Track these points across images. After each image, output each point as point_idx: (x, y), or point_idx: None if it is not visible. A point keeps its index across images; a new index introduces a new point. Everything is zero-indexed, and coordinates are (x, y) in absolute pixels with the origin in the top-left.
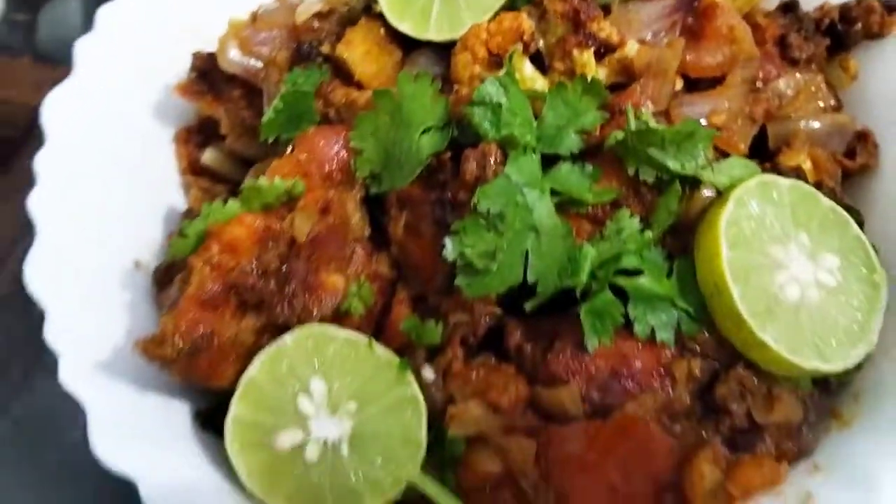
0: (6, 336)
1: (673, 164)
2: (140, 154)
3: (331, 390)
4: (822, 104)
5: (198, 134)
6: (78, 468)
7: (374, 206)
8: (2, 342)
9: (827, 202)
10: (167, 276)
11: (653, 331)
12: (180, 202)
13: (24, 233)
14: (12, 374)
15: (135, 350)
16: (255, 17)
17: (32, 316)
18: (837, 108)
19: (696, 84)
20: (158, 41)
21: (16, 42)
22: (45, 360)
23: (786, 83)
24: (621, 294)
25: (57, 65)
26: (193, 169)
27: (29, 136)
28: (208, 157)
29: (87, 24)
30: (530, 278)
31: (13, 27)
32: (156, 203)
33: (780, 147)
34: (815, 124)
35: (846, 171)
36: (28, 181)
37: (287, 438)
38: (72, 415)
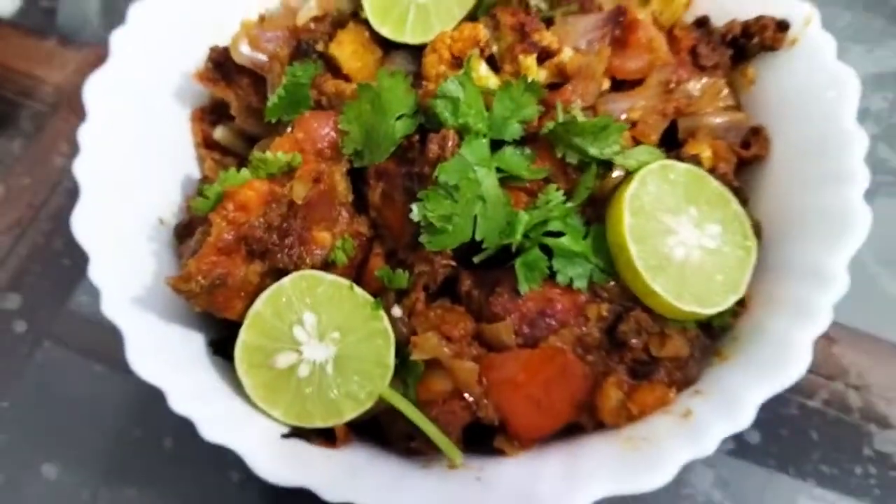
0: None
1: (592, 150)
2: (163, 129)
3: (319, 322)
4: (723, 104)
5: (211, 114)
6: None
7: (357, 178)
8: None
9: (715, 183)
10: (186, 232)
11: (571, 280)
12: (195, 171)
13: (54, 190)
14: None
15: (166, 285)
16: (262, 19)
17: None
18: (737, 107)
19: (621, 85)
20: (181, 35)
21: (42, 25)
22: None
23: (694, 85)
24: (547, 251)
25: (79, 46)
26: (207, 143)
27: (57, 108)
28: (219, 133)
29: (104, 10)
30: (478, 237)
31: (40, 12)
32: (175, 171)
33: (687, 138)
34: (717, 120)
35: (741, 160)
36: (56, 148)
37: (284, 359)
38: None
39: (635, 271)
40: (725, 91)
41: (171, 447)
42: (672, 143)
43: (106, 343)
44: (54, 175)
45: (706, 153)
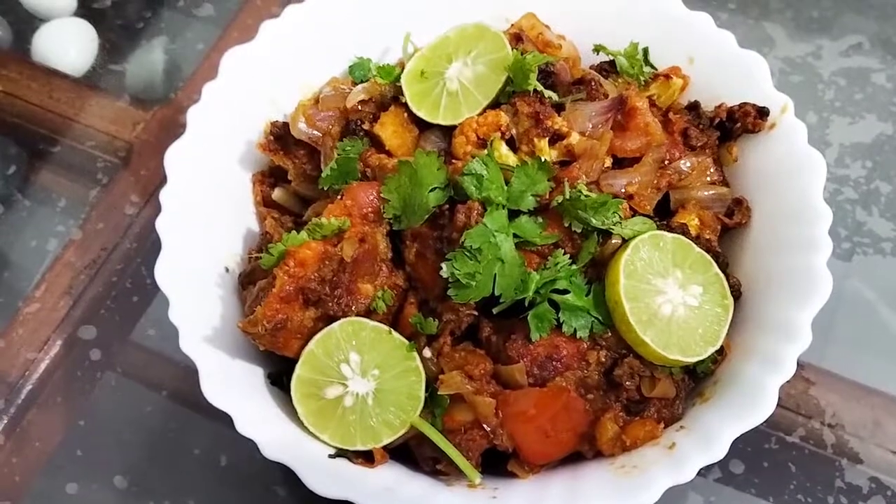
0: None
1: (594, 221)
2: (229, 191)
3: (362, 361)
4: (710, 178)
5: (270, 177)
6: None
7: (395, 238)
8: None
9: (698, 250)
10: (248, 280)
11: (575, 330)
12: (255, 226)
13: (124, 235)
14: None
15: (236, 328)
16: (317, 100)
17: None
18: (723, 181)
19: (621, 162)
20: (246, 110)
21: (113, 86)
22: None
23: (685, 163)
24: (555, 305)
25: (147, 105)
26: (266, 202)
27: (127, 162)
28: (277, 194)
29: (169, 70)
30: (497, 292)
31: (111, 74)
32: (239, 226)
33: (678, 208)
34: (704, 193)
35: (725, 227)
36: (126, 197)
37: (332, 391)
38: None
39: (629, 324)
40: (712, 168)
41: (225, 465)
42: (664, 213)
43: (169, 371)
44: (124, 221)
45: (694, 222)
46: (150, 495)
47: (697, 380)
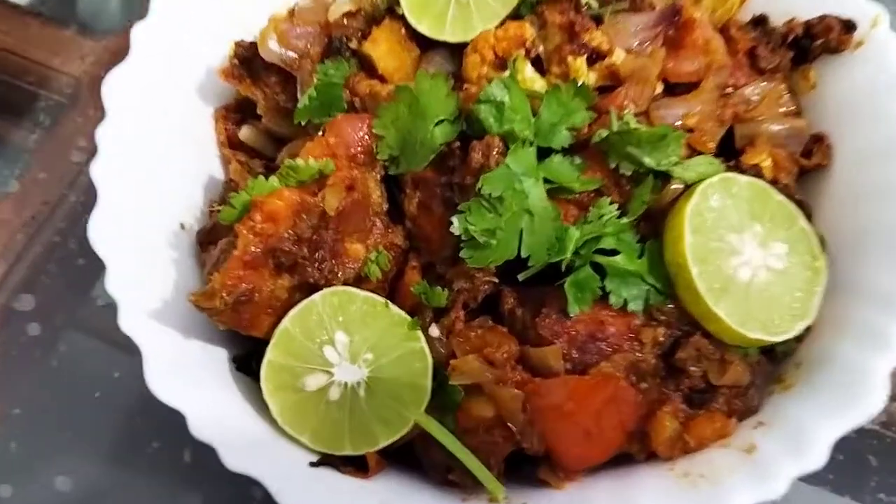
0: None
1: (648, 161)
2: (185, 129)
3: (352, 342)
4: (783, 109)
5: (236, 113)
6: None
7: (392, 186)
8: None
9: (779, 197)
10: (209, 238)
11: (625, 302)
12: (219, 173)
13: (71, 187)
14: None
15: (188, 302)
16: (292, 14)
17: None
18: (797, 113)
19: (674, 88)
20: (205, 29)
21: (61, 13)
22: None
23: (752, 90)
24: (599, 270)
25: (99, 36)
26: (231, 144)
27: (75, 101)
28: (245, 133)
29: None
30: (524, 253)
31: (59, 1)
32: (198, 173)
33: (745, 147)
34: (777, 127)
35: (802, 169)
36: (73, 142)
37: (313, 381)
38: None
39: (696, 293)
40: (785, 96)
41: (190, 461)
42: (728, 152)
43: (123, 352)
44: (71, 171)
45: (766, 163)
46: (99, 500)
47: (775, 361)
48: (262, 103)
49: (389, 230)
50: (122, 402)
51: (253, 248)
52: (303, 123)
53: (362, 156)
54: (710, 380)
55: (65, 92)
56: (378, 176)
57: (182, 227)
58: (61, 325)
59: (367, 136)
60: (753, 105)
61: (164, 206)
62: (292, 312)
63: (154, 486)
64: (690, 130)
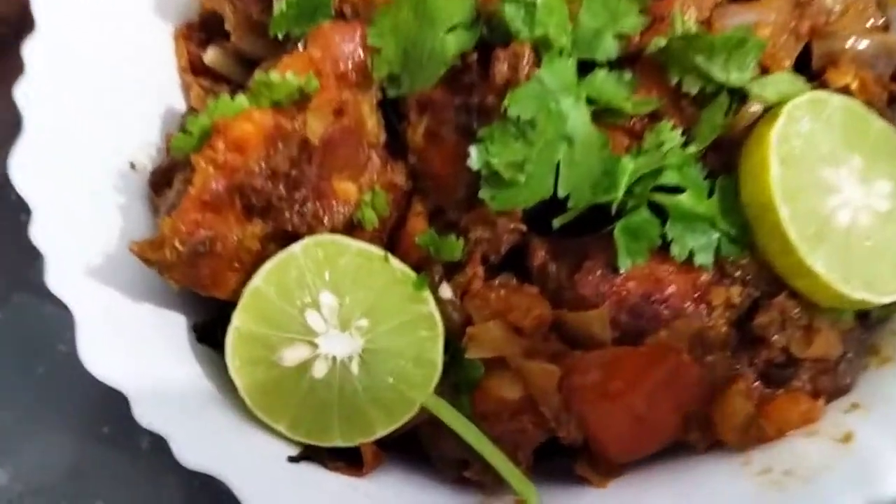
0: None
1: (720, 75)
2: (139, 50)
3: (342, 305)
4: (870, 23)
5: (200, 31)
6: (67, 381)
7: (392, 113)
8: None
9: (880, 124)
10: (165, 179)
11: (691, 253)
12: (180, 103)
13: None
14: None
15: (130, 252)
16: None
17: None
18: (885, 28)
19: None
20: None
21: None
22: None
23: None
24: (658, 213)
25: None
26: (194, 68)
27: (21, 31)
28: (211, 55)
29: None
30: (561, 192)
31: None
32: (153, 102)
33: (825, 67)
34: (863, 44)
35: (892, 96)
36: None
37: (293, 354)
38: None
39: (785, 240)
40: (872, 7)
41: (148, 448)
42: (803, 74)
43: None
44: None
45: (853, 86)
46: (40, 496)
47: (868, 329)
48: (230, 17)
49: (388, 167)
50: (69, 378)
51: (214, 185)
52: (280, 37)
53: (354, 74)
54: (791, 351)
55: (10, 20)
56: (374, 99)
57: (132, 166)
58: (4, 289)
59: (359, 50)
60: (835, 17)
61: (111, 140)
62: (266, 268)
63: (105, 477)
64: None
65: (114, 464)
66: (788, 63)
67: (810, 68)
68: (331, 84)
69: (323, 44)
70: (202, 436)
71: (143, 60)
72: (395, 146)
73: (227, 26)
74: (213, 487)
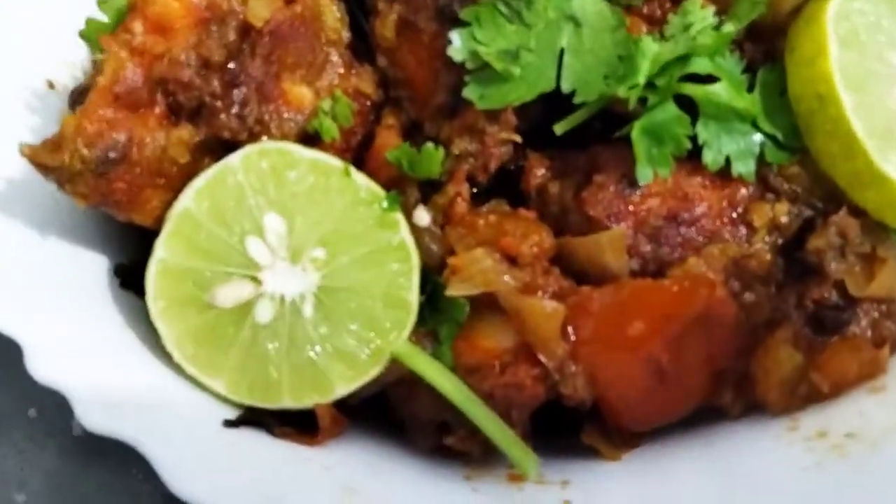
0: None
1: None
2: None
3: (292, 230)
4: None
5: None
6: None
7: (359, 10)
8: None
9: None
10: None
11: (727, 161)
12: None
13: None
14: None
15: (21, 155)
16: None
17: None
18: None
19: None
20: None
21: None
22: None
23: None
24: (688, 108)
25: None
26: None
27: None
28: None
29: None
30: (566, 85)
31: None
32: (78, 15)
33: None
34: None
35: None
36: None
37: (230, 293)
38: None
39: (849, 139)
40: None
41: (82, 434)
42: None
43: None
44: None
45: None
46: None
47: None
48: None
49: (354, 71)
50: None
51: (129, 75)
52: None
53: None
54: (849, 289)
55: None
56: None
57: (51, 85)
58: None
59: None
60: None
61: (25, 56)
62: (196, 184)
63: (33, 468)
64: None
65: (41, 450)
66: None
67: None
68: None
69: None
70: (112, 394)
71: None
72: (364, 50)
73: None
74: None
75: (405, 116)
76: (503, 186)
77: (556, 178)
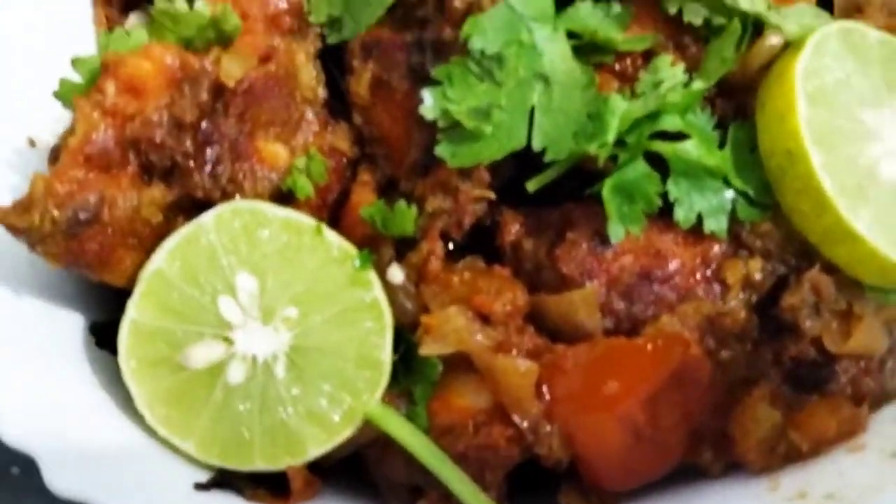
0: None
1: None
2: (51, 12)
3: (264, 290)
4: None
5: None
6: None
7: (334, 68)
8: None
9: None
10: None
11: (699, 218)
12: None
13: None
14: None
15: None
16: None
17: None
18: None
19: None
20: None
21: None
22: None
23: None
24: (659, 165)
25: None
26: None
27: None
28: (133, 22)
29: None
30: (537, 143)
31: None
32: (62, 71)
33: (850, 15)
34: None
35: None
36: None
37: (202, 353)
38: None
39: (819, 196)
40: None
41: (19, 474)
42: None
43: None
44: None
45: None
46: None
47: None
48: None
49: (329, 128)
50: None
51: (101, 136)
52: None
53: (288, 18)
54: (826, 346)
55: None
56: (312, 48)
57: (32, 143)
58: None
59: None
60: None
61: (6, 112)
62: (169, 244)
63: None
64: None
65: None
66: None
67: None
68: (257, 28)
69: None
70: (81, 457)
71: (58, 25)
72: (340, 107)
73: None
74: None
75: (381, 173)
76: (479, 241)
77: (530, 235)
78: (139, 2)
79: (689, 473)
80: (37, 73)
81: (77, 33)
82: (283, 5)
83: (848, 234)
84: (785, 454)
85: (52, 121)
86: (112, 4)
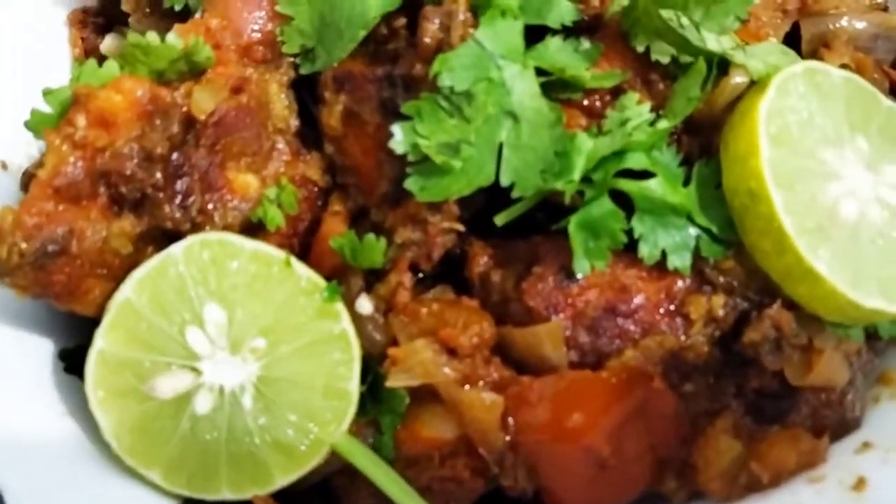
0: None
1: (696, 39)
2: (28, 37)
3: (232, 321)
4: (867, 1)
5: (97, 16)
6: None
7: (307, 97)
8: None
9: (888, 103)
10: None
11: (663, 254)
12: None
13: None
14: None
15: None
16: None
17: None
18: (884, 7)
19: None
20: None
21: None
22: None
23: None
24: (624, 203)
25: None
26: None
27: None
28: (109, 44)
29: None
30: (504, 179)
31: None
32: (34, 95)
33: (817, 49)
34: (859, 24)
35: (894, 86)
36: None
37: (169, 384)
38: None
39: (780, 235)
40: None
41: None
42: None
43: None
44: None
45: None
46: None
47: (876, 352)
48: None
49: (301, 158)
50: None
51: (71, 169)
52: (177, 8)
53: (261, 49)
54: (789, 378)
55: None
56: (284, 79)
57: (4, 166)
58: None
59: (267, 20)
60: None
61: None
62: (137, 275)
63: None
64: (744, 22)
65: None
66: (774, 42)
67: (800, 52)
68: (230, 58)
69: (223, 11)
70: (46, 487)
71: (33, 48)
72: (312, 137)
73: (125, 6)
74: None
75: (352, 203)
76: (449, 271)
77: (498, 267)
78: (114, 24)
79: (653, 501)
80: (8, 97)
81: (52, 55)
82: (257, 36)
83: (808, 273)
84: (746, 484)
85: (25, 142)
86: (87, 26)
